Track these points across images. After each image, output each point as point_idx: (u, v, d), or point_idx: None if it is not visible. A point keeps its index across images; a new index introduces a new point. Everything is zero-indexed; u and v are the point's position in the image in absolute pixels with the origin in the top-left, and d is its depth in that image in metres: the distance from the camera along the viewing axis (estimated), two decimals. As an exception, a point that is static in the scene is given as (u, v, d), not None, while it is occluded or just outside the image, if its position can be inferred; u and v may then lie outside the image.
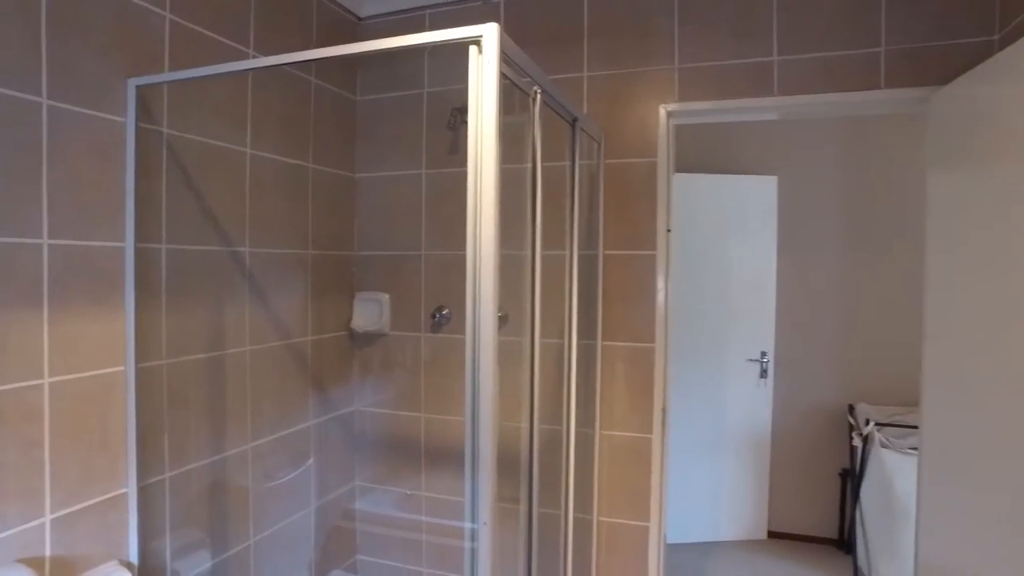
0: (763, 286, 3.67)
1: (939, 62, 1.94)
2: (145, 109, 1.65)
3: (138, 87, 1.60)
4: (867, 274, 3.61)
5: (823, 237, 3.68)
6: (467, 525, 1.39)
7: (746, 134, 3.76)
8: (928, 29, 1.96)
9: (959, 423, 1.78)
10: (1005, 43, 1.81)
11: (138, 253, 1.62)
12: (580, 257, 2.11)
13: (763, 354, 3.64)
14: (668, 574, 3.18)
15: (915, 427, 3.09)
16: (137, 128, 1.61)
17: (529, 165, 1.66)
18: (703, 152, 3.78)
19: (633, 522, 2.28)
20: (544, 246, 1.71)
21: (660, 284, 2.21)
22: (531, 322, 1.73)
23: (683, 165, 3.59)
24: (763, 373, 3.65)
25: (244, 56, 1.97)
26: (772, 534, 3.72)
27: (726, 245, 3.64)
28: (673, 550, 3.52)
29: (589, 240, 2.24)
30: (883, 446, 3.09)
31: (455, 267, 2.46)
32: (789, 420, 3.73)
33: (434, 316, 2.48)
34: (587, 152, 2.23)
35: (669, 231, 2.24)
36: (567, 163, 2.02)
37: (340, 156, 2.50)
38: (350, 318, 2.56)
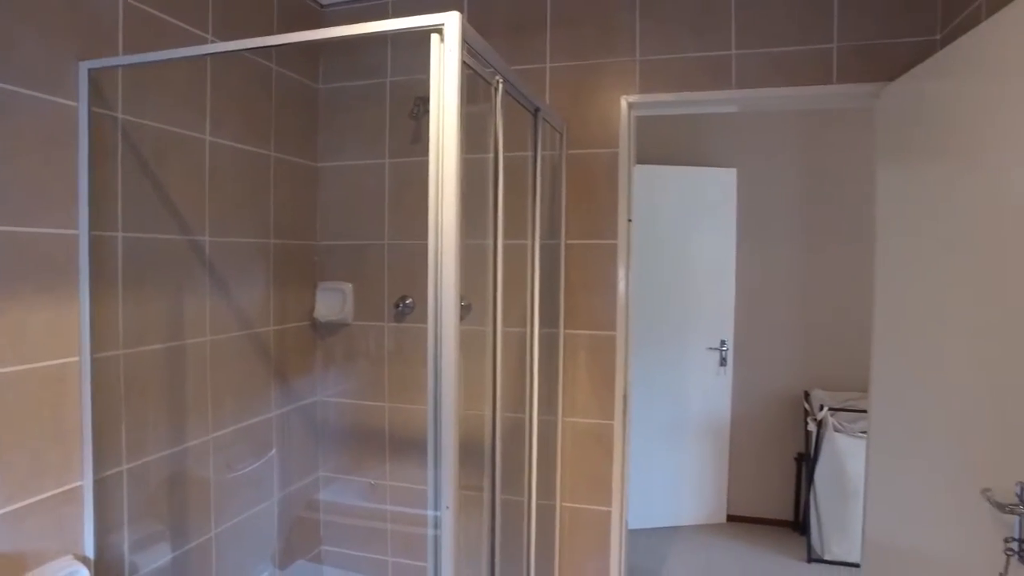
0: (723, 276, 3.75)
1: (887, 59, 2.01)
2: (98, 94, 1.61)
3: (90, 71, 1.57)
4: (823, 264, 3.73)
5: (781, 228, 3.79)
6: (430, 512, 1.41)
7: (707, 127, 3.83)
8: (877, 28, 2.03)
9: (904, 406, 1.86)
10: (946, 43, 1.88)
11: (93, 241, 1.59)
12: (543, 246, 2.13)
13: (723, 343, 3.73)
14: (630, 558, 3.25)
15: (866, 411, 3.20)
16: (90, 113, 1.57)
17: (492, 155, 1.68)
18: (665, 144, 3.84)
19: (595, 507, 2.32)
20: (507, 235, 1.73)
21: (621, 273, 2.25)
22: (493, 311, 1.75)
23: (645, 157, 3.63)
24: (723, 361, 3.73)
25: (202, 41, 1.94)
26: (731, 518, 3.83)
27: (687, 236, 3.71)
28: (635, 535, 3.60)
29: (552, 229, 2.27)
30: (836, 430, 3.21)
31: (418, 256, 2.44)
32: (747, 407, 3.83)
33: (397, 305, 2.48)
34: (550, 142, 2.25)
35: (630, 221, 2.27)
36: (529, 153, 2.04)
37: (302, 145, 2.47)
38: (313, 308, 2.54)
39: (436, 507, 1.38)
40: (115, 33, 1.66)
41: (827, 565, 3.28)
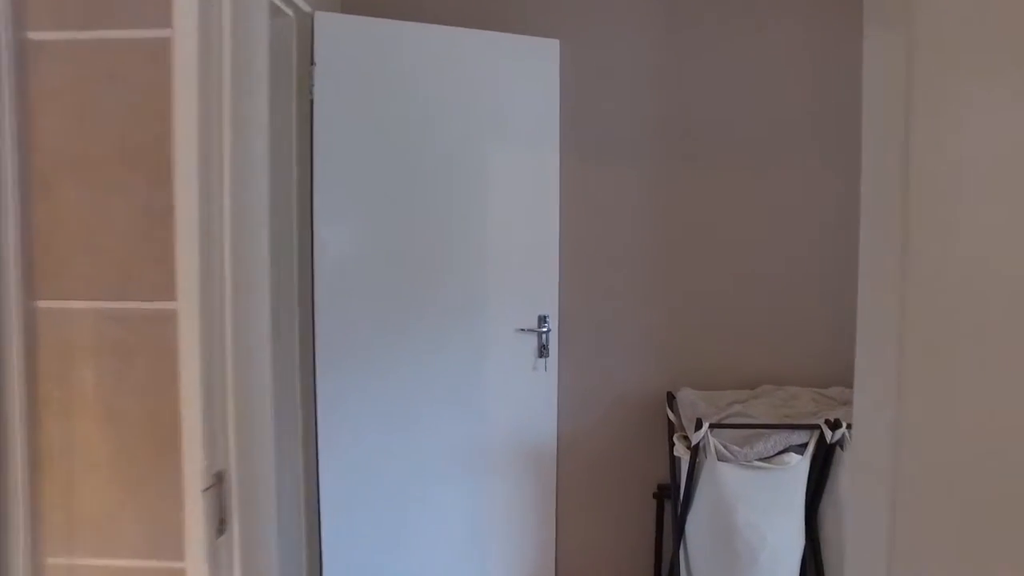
0: (542, 217, 2.51)
1: None
2: None
3: None
4: (690, 197, 2.58)
5: (630, 140, 2.57)
6: None
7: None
8: None
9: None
10: None
11: None
12: None
13: (542, 321, 2.49)
14: None
15: (765, 426, 2.09)
16: None
17: None
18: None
19: None
20: None
21: (189, 133, 0.76)
22: None
23: (412, 12, 2.36)
24: (543, 350, 2.50)
25: None
26: (563, 585, 2.66)
27: (482, 147, 2.43)
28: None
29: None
30: (721, 458, 2.04)
31: None
32: (583, 419, 2.64)
33: None
34: None
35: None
36: None
37: None
38: None
39: None
40: None
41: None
